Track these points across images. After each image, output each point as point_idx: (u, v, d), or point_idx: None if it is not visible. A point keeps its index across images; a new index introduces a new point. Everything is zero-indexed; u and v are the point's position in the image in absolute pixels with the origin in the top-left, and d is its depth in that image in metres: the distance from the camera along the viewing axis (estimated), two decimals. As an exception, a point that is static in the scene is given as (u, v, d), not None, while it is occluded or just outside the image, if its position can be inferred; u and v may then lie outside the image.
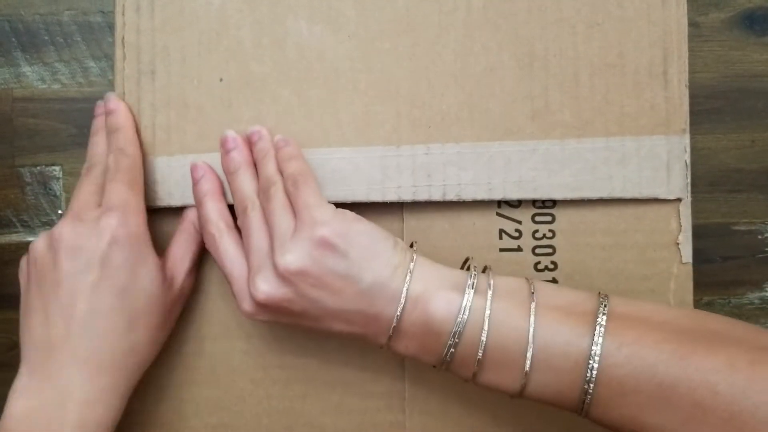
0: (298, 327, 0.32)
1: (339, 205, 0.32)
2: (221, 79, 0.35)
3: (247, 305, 0.31)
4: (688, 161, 0.34)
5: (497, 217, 0.36)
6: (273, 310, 0.30)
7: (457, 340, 0.28)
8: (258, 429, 0.36)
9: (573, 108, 0.34)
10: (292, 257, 0.29)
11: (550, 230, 0.35)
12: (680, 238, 0.35)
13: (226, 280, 0.33)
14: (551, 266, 0.35)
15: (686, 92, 0.34)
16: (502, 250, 0.36)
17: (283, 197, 0.31)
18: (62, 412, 0.29)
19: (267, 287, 0.30)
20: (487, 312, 0.28)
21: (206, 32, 0.35)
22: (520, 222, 0.35)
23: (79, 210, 0.32)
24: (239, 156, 0.33)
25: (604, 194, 0.34)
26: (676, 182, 0.34)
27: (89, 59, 0.40)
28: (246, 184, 0.33)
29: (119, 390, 0.31)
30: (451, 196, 0.34)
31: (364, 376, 0.36)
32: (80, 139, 0.39)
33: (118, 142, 0.34)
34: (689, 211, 0.35)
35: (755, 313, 0.41)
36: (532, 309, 0.28)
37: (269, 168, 0.33)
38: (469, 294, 0.28)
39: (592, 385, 0.26)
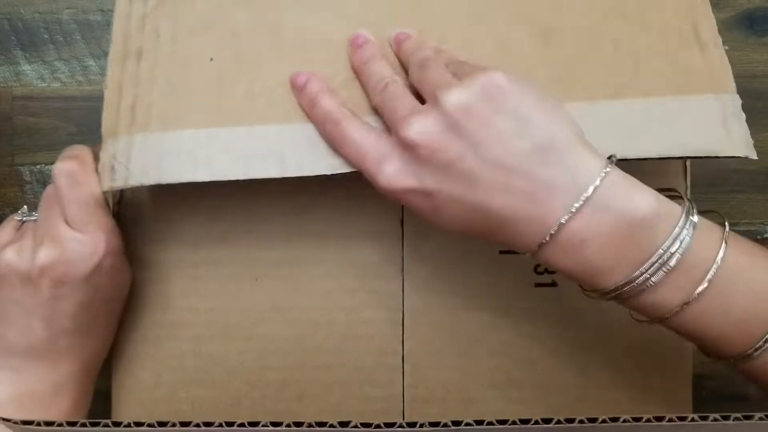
0: (441, 201, 0.27)
1: (338, 176, 0.30)
2: (211, 59, 0.34)
3: (391, 164, 0.28)
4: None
5: None
6: (425, 156, 0.26)
7: (670, 243, 0.25)
8: (254, 430, 0.35)
9: (599, 73, 0.31)
10: (460, 91, 0.26)
11: None
12: None
13: (354, 161, 0.30)
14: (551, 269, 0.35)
15: (725, 55, 0.32)
16: (501, 252, 0.35)
17: (444, 66, 0.29)
18: (57, 399, 0.31)
19: (425, 123, 0.26)
20: (695, 219, 0.26)
21: (201, 15, 0.33)
22: None
23: (52, 232, 0.31)
24: (372, 48, 0.32)
25: (653, 154, 0.30)
26: (738, 139, 0.30)
27: (89, 58, 0.41)
28: (382, 67, 0.31)
29: (95, 375, 0.34)
30: None
31: (361, 378, 0.35)
32: (80, 138, 0.39)
33: (73, 172, 0.31)
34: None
35: (757, 314, 0.41)
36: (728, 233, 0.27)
37: (426, 50, 0.30)
38: (684, 200, 0.26)
39: None
